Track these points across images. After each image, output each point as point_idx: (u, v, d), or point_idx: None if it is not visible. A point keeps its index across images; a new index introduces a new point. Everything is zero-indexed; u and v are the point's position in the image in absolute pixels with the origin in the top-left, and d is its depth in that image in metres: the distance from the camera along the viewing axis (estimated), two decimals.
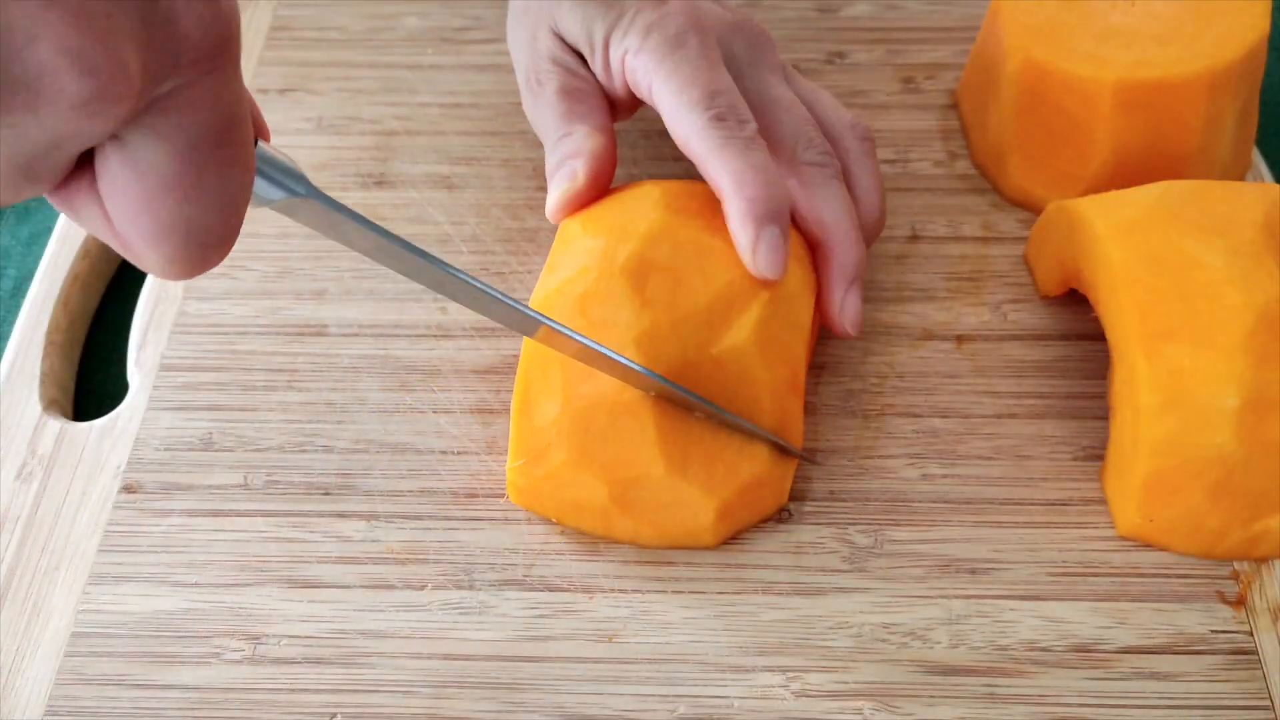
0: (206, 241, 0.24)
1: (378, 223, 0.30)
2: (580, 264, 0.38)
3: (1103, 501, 0.40)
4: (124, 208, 0.23)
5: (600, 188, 0.41)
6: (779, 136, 0.41)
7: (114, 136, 0.22)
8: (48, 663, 0.37)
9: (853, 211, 0.41)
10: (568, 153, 0.41)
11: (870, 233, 0.43)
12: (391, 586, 0.38)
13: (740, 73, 0.42)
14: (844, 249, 0.40)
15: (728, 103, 0.39)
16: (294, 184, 0.28)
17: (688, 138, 0.39)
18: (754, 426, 0.37)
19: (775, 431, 0.38)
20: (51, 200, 0.24)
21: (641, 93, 0.41)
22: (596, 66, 0.42)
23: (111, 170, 0.23)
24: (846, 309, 0.41)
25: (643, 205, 0.39)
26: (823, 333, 0.44)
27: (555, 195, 0.41)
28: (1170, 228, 0.38)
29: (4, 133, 0.20)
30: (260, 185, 0.27)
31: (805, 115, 0.42)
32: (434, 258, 0.32)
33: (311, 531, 0.39)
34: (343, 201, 0.30)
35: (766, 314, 0.37)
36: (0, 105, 0.20)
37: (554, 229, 0.44)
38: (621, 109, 0.44)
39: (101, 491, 0.41)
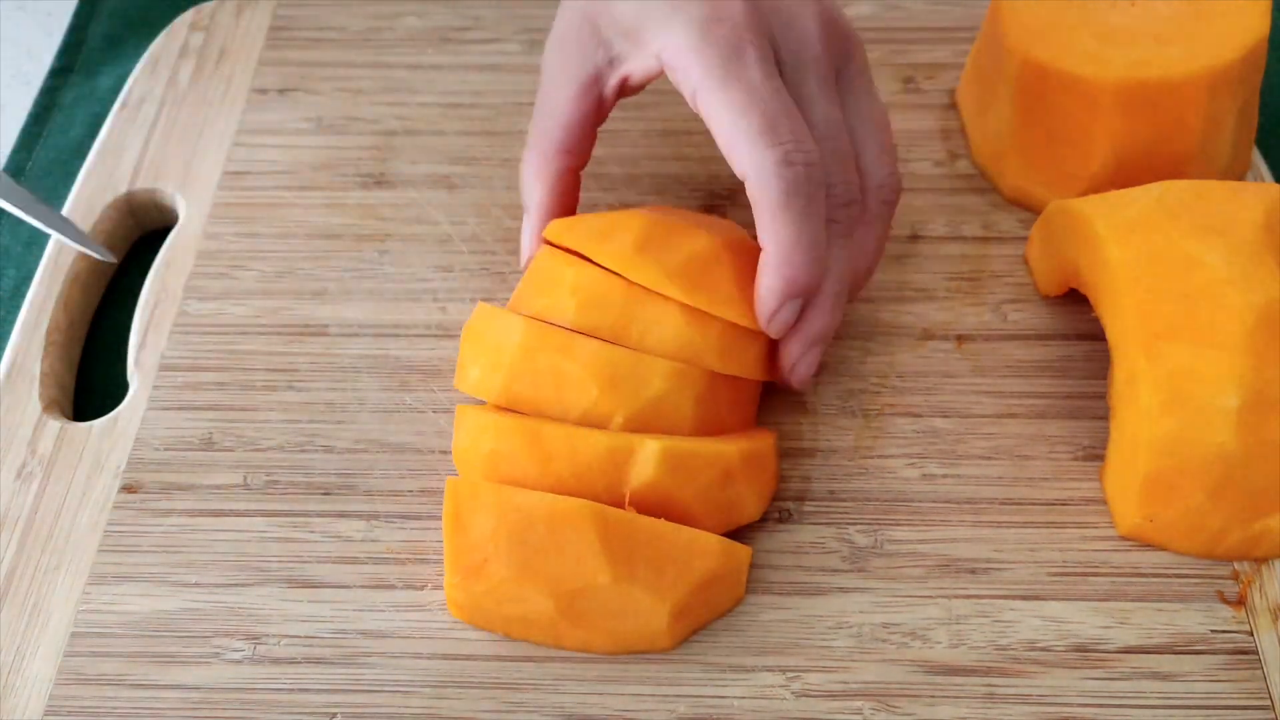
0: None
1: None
2: (474, 407, 0.38)
3: (1103, 501, 0.40)
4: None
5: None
6: None
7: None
8: (48, 663, 0.37)
9: (846, 276, 0.39)
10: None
11: (854, 288, 0.41)
12: (391, 586, 0.38)
13: (800, 81, 0.39)
14: (820, 311, 0.39)
15: (791, 133, 0.36)
16: None
17: (748, 173, 0.36)
18: None
19: (726, 522, 0.37)
20: None
21: (683, 91, 0.38)
22: (630, 49, 0.40)
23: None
24: (799, 368, 0.39)
25: (507, 329, 0.38)
26: None
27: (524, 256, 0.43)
28: (1170, 228, 0.38)
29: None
30: None
31: (845, 150, 0.39)
32: None
33: (311, 531, 0.39)
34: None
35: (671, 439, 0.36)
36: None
37: None
38: (629, 89, 0.41)
39: (101, 491, 0.41)
